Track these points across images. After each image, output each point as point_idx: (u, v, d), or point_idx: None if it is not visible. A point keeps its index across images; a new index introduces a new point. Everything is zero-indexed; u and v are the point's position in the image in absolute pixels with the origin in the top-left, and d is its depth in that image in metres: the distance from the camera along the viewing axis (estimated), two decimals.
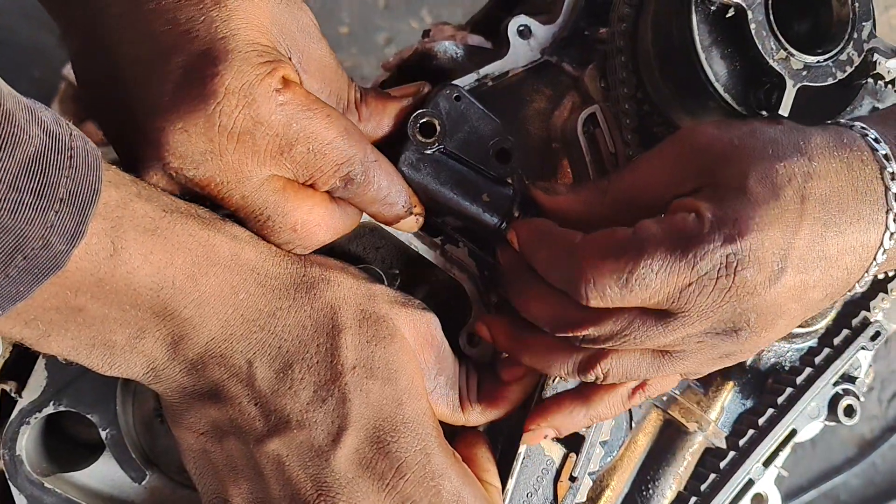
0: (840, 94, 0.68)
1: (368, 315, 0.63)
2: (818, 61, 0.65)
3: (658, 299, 0.57)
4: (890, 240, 0.59)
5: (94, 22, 0.57)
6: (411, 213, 0.67)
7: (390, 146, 0.67)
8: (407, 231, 0.70)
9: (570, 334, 0.61)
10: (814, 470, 1.77)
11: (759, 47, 0.63)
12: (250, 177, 0.58)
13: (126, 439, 0.65)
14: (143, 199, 0.54)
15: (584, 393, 0.68)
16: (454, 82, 0.72)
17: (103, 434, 0.65)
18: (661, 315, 0.58)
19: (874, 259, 0.60)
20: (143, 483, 0.66)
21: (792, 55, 0.64)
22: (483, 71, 0.74)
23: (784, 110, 0.63)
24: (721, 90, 0.65)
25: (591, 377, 0.63)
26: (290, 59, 0.60)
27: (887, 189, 0.59)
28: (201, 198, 0.60)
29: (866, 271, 0.60)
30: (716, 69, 0.65)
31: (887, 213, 0.59)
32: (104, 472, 0.67)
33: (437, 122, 0.67)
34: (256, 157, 0.58)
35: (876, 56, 0.67)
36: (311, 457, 0.60)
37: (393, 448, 0.60)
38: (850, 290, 0.62)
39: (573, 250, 0.60)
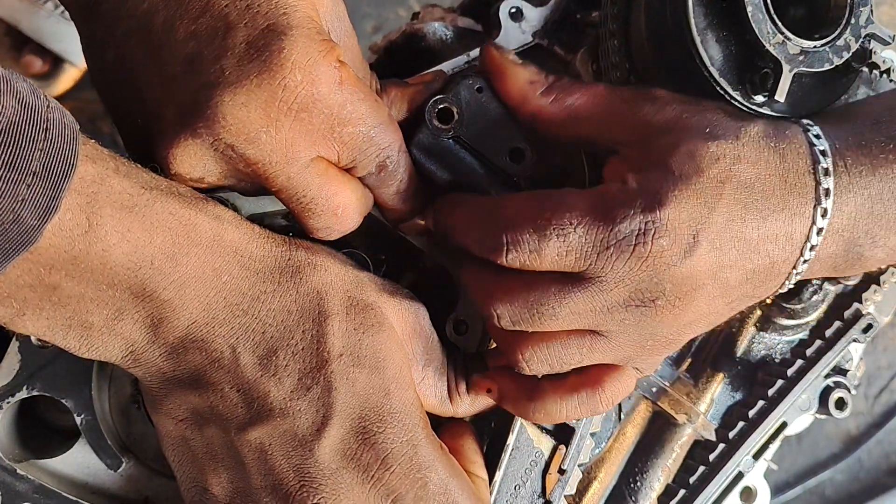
0: (837, 80, 0.66)
1: (356, 302, 0.61)
2: (815, 46, 0.63)
3: (576, 257, 0.58)
4: (817, 235, 0.59)
5: (136, 1, 0.56)
6: (424, 209, 0.67)
7: (405, 135, 0.66)
8: (410, 232, 0.69)
9: (489, 308, 0.61)
10: (799, 466, 1.78)
11: (756, 31, 0.62)
12: (299, 157, 0.57)
13: (101, 425, 0.64)
14: (121, 174, 0.52)
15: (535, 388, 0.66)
16: (474, 75, 0.70)
17: (78, 420, 0.63)
18: (578, 279, 0.58)
19: (801, 255, 0.60)
20: (119, 471, 0.65)
21: (789, 39, 0.63)
22: (473, 53, 0.73)
23: (780, 95, 0.62)
24: (716, 74, 0.64)
25: (519, 367, 0.63)
26: None
27: (818, 184, 0.59)
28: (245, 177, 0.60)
29: (794, 267, 0.60)
30: (711, 53, 0.64)
31: (815, 207, 0.59)
32: (79, 459, 0.65)
33: (455, 110, 0.66)
34: (309, 137, 0.57)
35: (873, 43, 0.65)
36: (294, 446, 0.58)
37: (379, 439, 0.59)
38: (778, 286, 0.62)
39: (494, 209, 0.61)
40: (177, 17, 0.55)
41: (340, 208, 0.61)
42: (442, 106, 0.65)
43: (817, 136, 0.61)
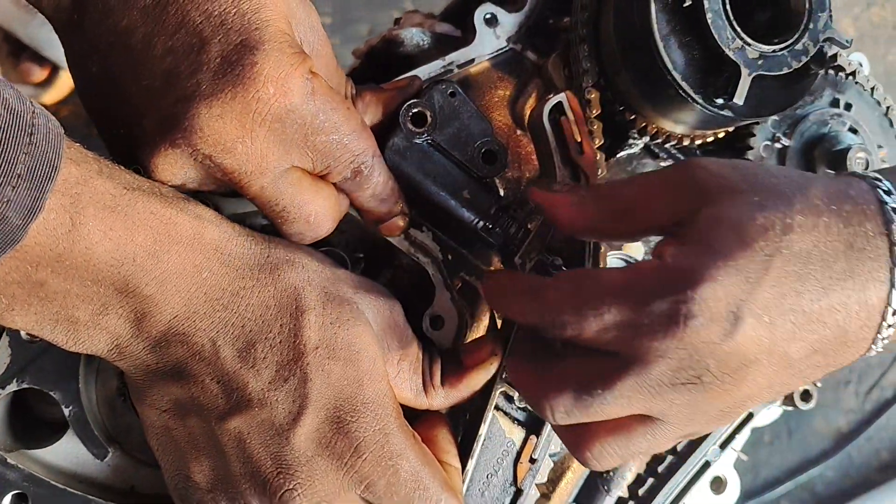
0: (797, 83, 0.69)
1: (332, 298, 0.64)
2: (774, 51, 0.66)
3: (613, 336, 0.56)
4: None
5: (116, 18, 0.58)
6: (402, 213, 0.69)
7: (380, 139, 0.68)
8: (391, 234, 0.71)
9: (544, 403, 0.60)
10: (790, 462, 1.79)
11: (716, 36, 0.65)
12: (273, 167, 0.60)
13: (88, 417, 0.66)
14: (104, 176, 0.55)
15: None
16: (448, 80, 0.73)
17: (66, 411, 0.66)
18: (622, 361, 0.57)
19: (883, 319, 0.56)
20: (106, 460, 0.67)
21: (748, 44, 0.65)
22: (449, 58, 0.75)
23: (739, 98, 0.65)
24: (679, 78, 0.66)
25: (590, 465, 0.62)
26: None
27: (893, 245, 0.55)
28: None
29: (878, 332, 0.57)
30: (674, 58, 0.66)
31: (892, 270, 0.55)
32: (67, 450, 0.68)
33: (428, 114, 0.69)
34: (283, 146, 0.60)
35: (831, 46, 0.68)
36: (271, 435, 0.61)
37: (352, 428, 0.61)
38: (863, 352, 0.58)
39: (538, 292, 0.60)
40: (155, 33, 0.57)
41: (313, 216, 0.63)
42: (416, 110, 0.68)
43: (888, 193, 0.57)
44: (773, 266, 0.54)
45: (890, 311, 0.56)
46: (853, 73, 0.81)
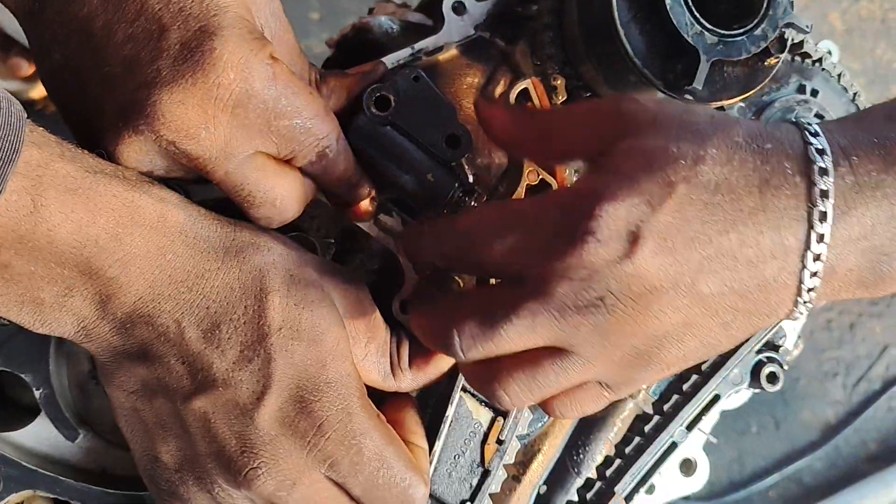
0: (758, 68, 0.69)
1: (297, 280, 0.65)
2: (732, 36, 0.67)
3: (514, 260, 0.57)
4: (819, 243, 0.54)
5: (77, 6, 0.59)
6: (369, 197, 0.70)
7: (345, 126, 0.69)
8: (360, 218, 0.72)
9: (451, 334, 0.59)
10: (778, 453, 1.80)
11: (675, 22, 0.65)
12: (237, 152, 0.61)
13: (60, 399, 0.67)
14: (66, 159, 0.56)
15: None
16: (412, 65, 0.74)
17: (37, 393, 0.67)
18: (526, 285, 0.57)
19: (803, 265, 0.55)
20: (77, 441, 0.68)
21: (707, 30, 0.66)
22: (417, 46, 0.76)
23: (698, 83, 0.66)
24: (640, 64, 0.67)
25: (501, 402, 0.61)
26: None
27: (813, 185, 0.54)
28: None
29: (801, 281, 0.55)
30: (634, 44, 0.67)
31: (810, 211, 0.54)
32: (39, 432, 0.69)
33: (392, 98, 0.69)
34: (246, 131, 0.60)
35: (792, 32, 0.69)
36: (235, 415, 0.61)
37: (315, 407, 0.62)
38: (789, 303, 0.56)
39: (448, 224, 0.62)
40: (115, 21, 0.58)
41: (278, 200, 0.64)
42: (379, 94, 0.69)
43: (814, 134, 0.56)
44: (676, 191, 0.54)
45: (810, 255, 0.55)
46: (819, 60, 0.82)
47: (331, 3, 1.81)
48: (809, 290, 0.56)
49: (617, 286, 0.55)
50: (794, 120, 0.60)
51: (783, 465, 1.79)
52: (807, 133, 0.56)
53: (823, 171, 0.54)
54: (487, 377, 0.61)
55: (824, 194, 0.54)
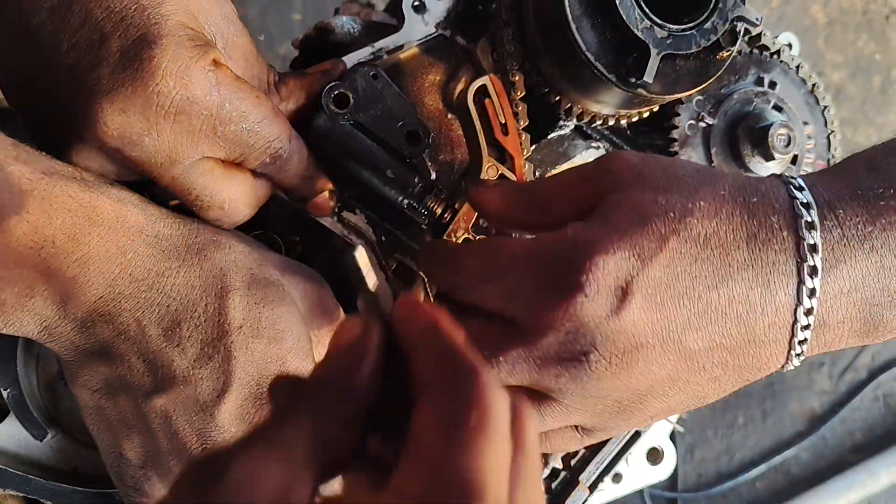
0: (709, 61, 0.70)
1: (258, 279, 0.66)
2: (682, 30, 0.68)
3: (509, 303, 0.57)
4: (810, 298, 0.54)
5: (28, 16, 0.60)
6: (329, 191, 0.71)
7: (305, 125, 0.70)
8: (321, 212, 0.73)
9: None
10: (765, 444, 1.81)
11: (624, 17, 0.66)
12: (182, 158, 0.62)
13: (28, 400, 0.68)
14: (20, 161, 0.57)
15: None
16: (371, 63, 0.75)
17: (4, 394, 0.68)
18: (517, 329, 0.57)
19: (795, 320, 0.55)
20: (46, 440, 0.69)
21: (656, 24, 0.67)
22: (378, 45, 0.77)
23: (648, 76, 0.67)
24: (592, 58, 0.68)
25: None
26: (215, 44, 0.63)
27: (801, 240, 0.54)
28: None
29: (792, 335, 0.56)
30: (586, 39, 0.68)
31: (799, 265, 0.54)
32: (10, 433, 0.70)
33: (350, 95, 0.70)
34: (191, 138, 0.61)
35: (742, 25, 0.69)
36: (196, 412, 0.62)
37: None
38: (781, 357, 0.57)
39: (455, 257, 0.62)
40: (61, 30, 0.59)
41: (227, 204, 0.65)
42: (337, 91, 0.70)
43: (799, 188, 0.56)
44: (667, 246, 0.54)
45: (801, 309, 0.55)
46: (778, 53, 0.83)
47: (314, 3, 1.82)
48: (801, 342, 0.56)
49: (602, 342, 0.55)
50: (777, 174, 0.60)
51: (770, 456, 1.81)
52: (791, 187, 0.56)
53: (811, 226, 0.55)
54: None
55: (813, 248, 0.54)
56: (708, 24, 0.68)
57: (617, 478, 0.80)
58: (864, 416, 1.85)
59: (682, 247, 0.54)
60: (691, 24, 0.68)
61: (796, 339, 0.56)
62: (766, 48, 0.83)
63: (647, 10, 0.67)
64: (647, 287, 0.54)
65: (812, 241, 0.54)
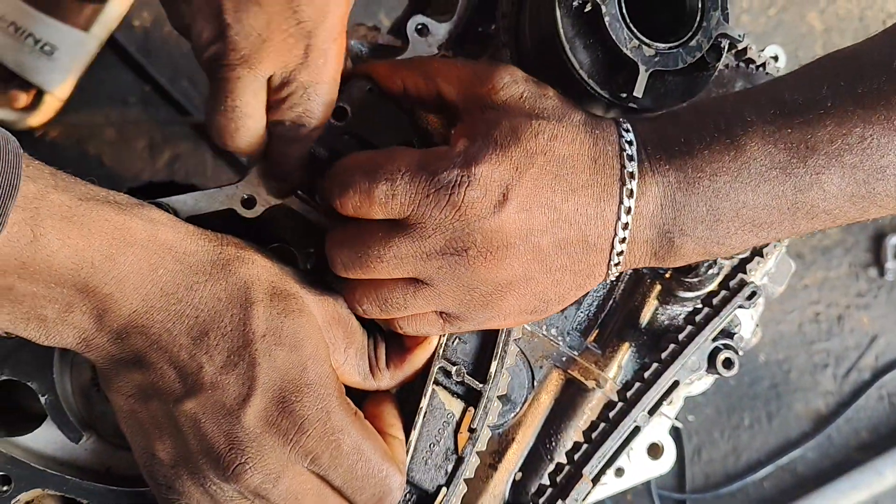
0: (696, 76, 0.75)
1: (279, 291, 0.70)
2: (669, 48, 0.72)
3: (400, 203, 0.66)
4: (626, 214, 0.67)
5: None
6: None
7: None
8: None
9: (328, 253, 0.71)
10: (771, 445, 1.83)
11: (614, 37, 0.71)
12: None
13: (64, 405, 0.73)
14: (59, 189, 0.61)
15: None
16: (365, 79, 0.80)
17: (42, 399, 0.72)
18: (403, 227, 0.67)
19: (615, 233, 0.68)
20: (81, 443, 0.74)
21: (644, 43, 0.72)
22: None
23: (638, 92, 0.71)
24: (585, 76, 0.73)
25: (354, 308, 0.73)
26: None
27: (623, 167, 0.68)
28: None
29: (612, 246, 0.68)
30: (580, 58, 0.73)
31: (621, 187, 0.67)
32: (47, 436, 0.75)
33: (347, 108, 0.75)
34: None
35: (726, 41, 0.74)
36: (223, 415, 0.66)
37: (296, 407, 0.67)
38: (603, 264, 0.69)
39: (339, 163, 0.71)
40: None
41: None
42: (336, 105, 0.75)
43: (626, 129, 0.69)
44: (536, 162, 0.67)
45: (619, 223, 0.67)
46: (763, 65, 0.87)
47: None
48: (619, 253, 0.69)
49: (481, 240, 0.66)
50: (612, 117, 0.72)
51: (777, 457, 1.82)
52: (621, 127, 0.70)
53: (630, 157, 0.68)
54: (350, 289, 0.73)
55: (631, 175, 0.67)
56: (693, 42, 0.73)
57: (619, 472, 0.84)
58: (869, 415, 1.87)
59: (547, 164, 0.67)
60: (677, 43, 0.72)
61: (615, 251, 0.69)
62: (752, 61, 0.87)
63: (635, 31, 0.71)
64: (520, 195, 0.66)
65: (630, 170, 0.67)
